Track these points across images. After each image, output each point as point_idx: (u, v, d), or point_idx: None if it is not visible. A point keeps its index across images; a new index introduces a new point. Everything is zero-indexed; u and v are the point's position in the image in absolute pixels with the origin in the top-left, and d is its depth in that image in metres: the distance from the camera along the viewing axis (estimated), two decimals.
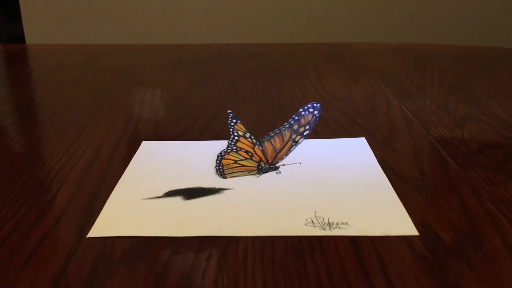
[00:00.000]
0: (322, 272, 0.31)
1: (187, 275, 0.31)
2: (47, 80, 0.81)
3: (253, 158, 0.45)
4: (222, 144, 0.48)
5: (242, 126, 0.46)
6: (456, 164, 0.46)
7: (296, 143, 0.45)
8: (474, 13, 1.66)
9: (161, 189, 0.41)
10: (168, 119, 0.63)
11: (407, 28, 1.66)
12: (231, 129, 0.46)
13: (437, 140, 0.53)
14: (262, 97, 0.69)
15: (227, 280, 0.30)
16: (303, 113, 0.45)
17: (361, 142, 0.51)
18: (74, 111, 0.64)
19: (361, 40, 1.58)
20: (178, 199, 0.40)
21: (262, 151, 0.45)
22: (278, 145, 0.45)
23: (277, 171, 0.45)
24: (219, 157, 0.45)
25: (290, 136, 0.45)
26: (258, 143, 0.45)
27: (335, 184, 0.42)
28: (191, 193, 0.41)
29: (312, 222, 0.36)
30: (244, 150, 0.45)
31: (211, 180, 0.43)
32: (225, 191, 0.41)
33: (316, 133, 0.54)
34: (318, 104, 0.45)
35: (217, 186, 0.42)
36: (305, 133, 0.45)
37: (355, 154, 0.49)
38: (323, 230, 0.35)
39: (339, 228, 0.35)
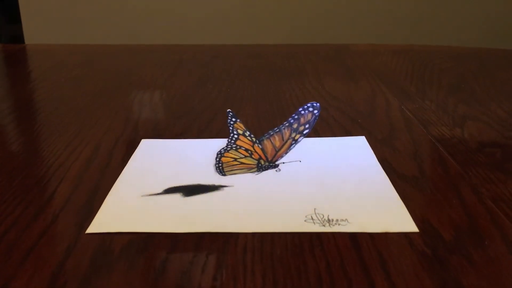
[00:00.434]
0: (322, 268, 0.31)
1: (186, 271, 0.31)
2: (46, 79, 0.81)
3: (252, 156, 0.45)
4: (221, 143, 0.47)
5: (241, 125, 0.46)
6: (456, 162, 0.46)
7: (295, 141, 0.45)
8: (473, 15, 1.67)
9: (160, 186, 0.41)
10: (167, 119, 0.62)
11: (406, 29, 1.66)
12: (230, 128, 0.46)
13: (436, 139, 0.52)
14: (261, 97, 0.69)
15: (226, 276, 0.30)
16: (302, 112, 0.45)
17: (361, 141, 0.51)
18: (73, 110, 0.64)
19: (361, 41, 1.58)
20: (177, 196, 0.40)
21: (262, 149, 0.45)
22: (277, 143, 0.45)
23: (276, 168, 0.44)
24: (219, 155, 0.45)
25: (290, 135, 0.45)
26: (257, 141, 0.45)
27: (335, 181, 0.42)
28: (190, 190, 0.41)
29: (312, 218, 0.36)
30: (244, 148, 0.45)
31: (211, 177, 0.43)
32: (225, 188, 0.41)
33: (316, 132, 0.54)
34: (318, 104, 0.45)
35: (216, 183, 0.42)
36: (304, 132, 0.45)
37: (354, 152, 0.49)
38: (323, 227, 0.35)
39: (339, 224, 0.35)
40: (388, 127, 0.56)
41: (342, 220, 0.36)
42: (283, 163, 0.45)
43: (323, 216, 0.36)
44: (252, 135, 0.46)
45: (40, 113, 0.64)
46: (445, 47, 1.06)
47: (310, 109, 0.45)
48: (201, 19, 1.64)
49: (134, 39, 1.57)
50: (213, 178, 0.43)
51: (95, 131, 0.56)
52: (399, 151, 0.49)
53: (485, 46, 1.12)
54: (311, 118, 0.45)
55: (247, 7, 1.65)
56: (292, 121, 0.45)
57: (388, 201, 0.39)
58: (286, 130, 0.45)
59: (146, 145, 0.51)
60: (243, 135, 0.46)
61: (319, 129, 0.55)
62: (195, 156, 0.48)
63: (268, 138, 0.46)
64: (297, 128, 0.45)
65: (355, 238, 0.34)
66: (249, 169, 0.44)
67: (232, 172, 0.44)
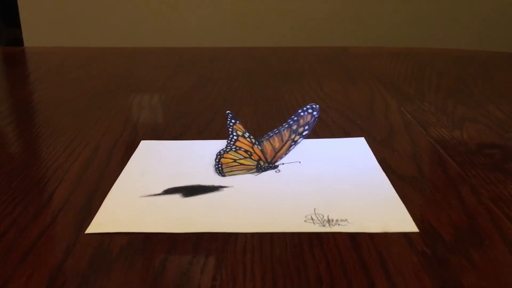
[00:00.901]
0: (322, 268, 0.31)
1: (186, 271, 0.31)
2: (45, 81, 0.81)
3: (252, 157, 0.45)
4: (221, 144, 0.47)
5: (241, 126, 0.46)
6: (455, 163, 0.46)
7: (295, 142, 0.45)
8: (472, 18, 1.67)
9: (159, 187, 0.41)
10: (166, 120, 0.62)
11: (405, 32, 1.66)
12: (230, 129, 0.46)
13: (436, 140, 0.52)
14: (260, 99, 0.69)
15: (226, 276, 0.30)
16: (302, 114, 0.45)
17: (360, 142, 0.51)
18: (72, 112, 0.64)
19: (360, 44, 1.58)
20: (176, 197, 0.40)
21: (261, 150, 0.45)
22: (277, 144, 0.45)
23: (276, 169, 0.44)
24: (218, 156, 0.45)
25: (289, 136, 0.45)
26: (257, 143, 0.45)
27: (335, 182, 0.42)
28: (189, 191, 0.41)
29: (312, 219, 0.36)
30: (243, 149, 0.45)
31: (210, 178, 0.43)
32: (224, 188, 0.41)
33: (315, 133, 0.54)
34: (317, 105, 0.45)
35: (216, 184, 0.42)
36: (304, 133, 0.45)
37: (354, 153, 0.49)
38: (323, 227, 0.35)
39: (338, 224, 0.35)
40: (387, 128, 0.56)
41: (342, 220, 0.36)
42: (283, 164, 0.45)
43: (323, 216, 0.36)
44: (251, 137, 0.46)
45: (39, 115, 0.64)
46: (444, 49, 1.06)
47: (310, 110, 0.45)
48: (200, 21, 1.64)
49: (133, 42, 1.57)
50: (213, 179, 0.43)
51: (94, 132, 0.55)
52: (399, 152, 0.49)
53: (484, 49, 1.13)
54: (311, 119, 0.45)
55: (246, 10, 1.65)
56: (291, 122, 0.45)
57: (387, 201, 0.39)
58: (285, 131, 0.45)
59: (145, 146, 0.51)
60: (243, 136, 0.46)
61: (319, 131, 0.55)
62: (194, 157, 0.48)
63: (268, 139, 0.46)
64: (297, 129, 0.45)
65: (355, 238, 0.34)
66: (248, 170, 0.44)
67: (232, 173, 0.44)
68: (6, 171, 0.46)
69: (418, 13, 1.67)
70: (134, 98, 0.71)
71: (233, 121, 0.47)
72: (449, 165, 0.46)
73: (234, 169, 0.44)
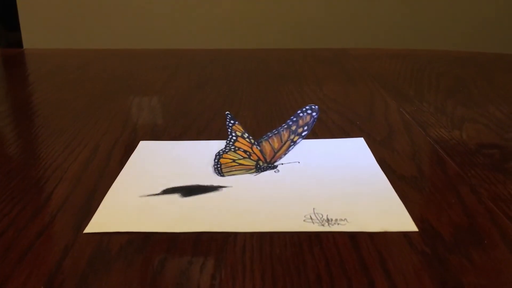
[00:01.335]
0: (321, 267, 0.30)
1: (185, 270, 0.31)
2: (45, 83, 0.81)
3: (251, 157, 0.45)
4: (220, 144, 0.47)
5: (240, 127, 0.46)
6: (455, 163, 0.46)
7: (294, 143, 0.45)
8: (471, 20, 1.67)
9: (158, 187, 0.41)
10: (165, 121, 0.62)
11: (405, 34, 1.66)
12: (229, 130, 0.46)
13: (435, 140, 0.52)
14: (260, 100, 0.69)
15: (225, 275, 0.30)
16: (301, 114, 0.45)
17: (360, 142, 0.51)
18: (71, 112, 0.64)
19: (359, 45, 1.58)
20: (175, 197, 0.40)
21: (260, 151, 0.45)
22: (276, 145, 0.45)
23: (275, 169, 0.44)
24: (217, 156, 0.45)
25: (289, 137, 0.45)
26: (256, 143, 0.45)
27: (334, 182, 0.42)
28: (189, 191, 0.40)
29: (311, 218, 0.36)
30: (242, 150, 0.45)
31: (209, 178, 0.43)
32: (223, 188, 0.41)
33: (315, 134, 0.54)
34: (316, 106, 0.45)
35: (215, 183, 0.42)
36: (303, 134, 0.45)
37: (353, 153, 0.49)
38: (322, 226, 0.35)
39: (338, 224, 0.35)
40: (387, 129, 0.56)
41: (341, 219, 0.35)
42: (282, 164, 0.45)
43: (322, 216, 0.36)
44: (250, 137, 0.46)
45: (38, 115, 0.64)
46: (443, 51, 1.06)
47: (309, 111, 0.45)
48: (200, 23, 1.65)
49: (132, 44, 1.57)
50: (212, 179, 0.43)
51: (93, 133, 0.55)
52: (398, 153, 0.49)
53: (483, 50, 1.13)
54: (310, 120, 0.45)
55: (245, 12, 1.65)
56: (290, 123, 0.45)
57: (387, 201, 0.39)
58: (284, 132, 0.45)
59: (144, 146, 0.51)
60: (242, 136, 0.46)
61: (318, 132, 0.55)
62: (193, 157, 0.48)
63: (267, 139, 0.46)
64: (296, 130, 0.45)
65: (354, 238, 0.34)
66: (247, 170, 0.44)
67: (231, 173, 0.44)
68: (5, 171, 0.46)
69: (418, 15, 1.67)
70: (133, 99, 0.71)
71: (232, 121, 0.47)
72: (448, 165, 0.46)
73: (233, 169, 0.44)
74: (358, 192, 0.40)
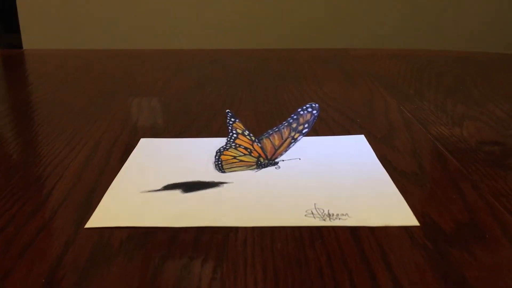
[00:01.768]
0: (323, 261, 0.30)
1: (186, 264, 0.31)
2: (45, 82, 0.81)
3: (252, 154, 0.45)
4: (220, 142, 0.47)
5: (240, 124, 0.46)
6: (456, 160, 0.46)
7: (295, 140, 0.45)
8: (470, 20, 1.68)
9: (159, 183, 0.41)
10: (166, 120, 0.62)
11: (405, 34, 1.67)
12: (229, 127, 0.46)
13: (436, 137, 0.52)
14: (260, 99, 0.69)
15: (227, 269, 0.30)
16: (302, 112, 0.45)
17: (360, 139, 0.51)
18: (71, 111, 0.64)
19: (359, 46, 1.58)
20: (177, 192, 0.40)
21: (261, 148, 0.45)
22: (277, 142, 0.45)
23: (276, 166, 0.44)
24: (218, 153, 0.45)
25: (289, 134, 0.45)
26: (256, 140, 0.45)
27: (335, 178, 0.42)
28: (190, 187, 0.40)
29: (312, 213, 0.36)
30: (243, 147, 0.45)
31: (210, 174, 0.43)
32: (225, 184, 0.41)
33: (315, 132, 0.54)
34: (317, 104, 0.45)
35: (216, 179, 0.42)
36: (304, 131, 0.45)
37: (354, 149, 0.49)
38: (323, 221, 0.35)
39: (339, 219, 0.35)
40: (387, 126, 0.56)
41: (342, 214, 0.35)
42: (283, 160, 0.45)
43: (323, 211, 0.36)
44: (251, 134, 0.46)
45: (39, 114, 0.64)
46: (443, 51, 1.06)
47: (309, 109, 0.45)
48: (200, 23, 1.65)
49: (132, 45, 1.57)
50: (213, 175, 0.43)
51: (93, 132, 0.55)
52: (399, 149, 0.49)
53: (482, 50, 1.13)
54: (310, 118, 0.45)
55: (245, 12, 1.65)
56: (291, 121, 0.45)
57: (388, 196, 0.39)
58: (285, 129, 0.45)
59: (145, 143, 0.51)
60: (242, 134, 0.46)
61: (319, 129, 0.55)
62: (194, 154, 0.48)
63: (267, 137, 0.46)
64: (296, 127, 0.45)
65: (355, 232, 0.34)
66: (248, 166, 0.44)
67: (232, 169, 0.44)
68: (5, 168, 0.46)
69: (418, 15, 1.68)
70: (134, 98, 0.71)
71: (232, 119, 0.47)
72: (449, 162, 0.46)
73: (234, 166, 0.44)
74: (359, 188, 0.40)
